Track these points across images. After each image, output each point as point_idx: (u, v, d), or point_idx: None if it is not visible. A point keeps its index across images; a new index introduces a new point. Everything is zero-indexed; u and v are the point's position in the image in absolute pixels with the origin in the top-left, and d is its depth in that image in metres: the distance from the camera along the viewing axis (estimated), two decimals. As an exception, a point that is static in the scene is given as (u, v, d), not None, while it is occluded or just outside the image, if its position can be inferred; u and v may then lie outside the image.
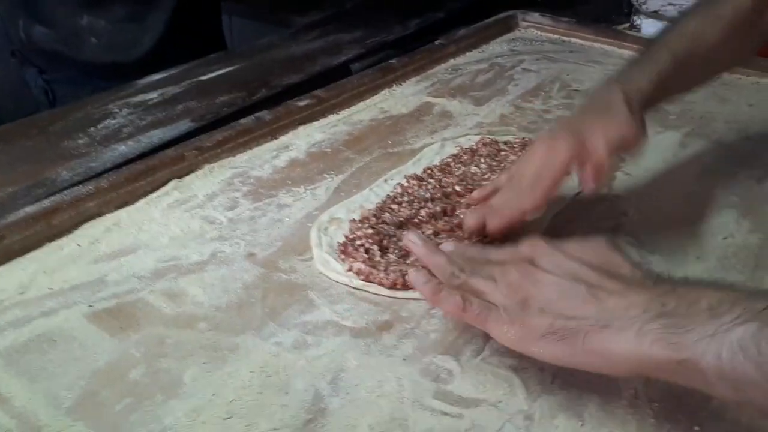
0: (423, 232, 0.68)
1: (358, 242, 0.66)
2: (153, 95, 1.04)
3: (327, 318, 0.59)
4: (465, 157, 0.82)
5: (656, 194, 0.79)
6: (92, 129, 0.92)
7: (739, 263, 0.67)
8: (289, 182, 0.79)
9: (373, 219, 0.69)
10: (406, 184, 0.76)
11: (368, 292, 0.62)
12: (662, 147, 0.89)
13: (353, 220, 0.70)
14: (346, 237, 0.67)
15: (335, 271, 0.63)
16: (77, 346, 0.55)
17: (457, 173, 0.79)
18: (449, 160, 0.82)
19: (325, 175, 0.81)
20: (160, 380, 0.52)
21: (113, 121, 0.94)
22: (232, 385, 0.52)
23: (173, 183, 0.77)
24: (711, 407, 0.50)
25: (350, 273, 0.63)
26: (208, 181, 0.79)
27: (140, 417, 0.49)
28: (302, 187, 0.78)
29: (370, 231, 0.67)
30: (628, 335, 0.44)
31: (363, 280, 0.62)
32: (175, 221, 0.71)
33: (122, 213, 0.72)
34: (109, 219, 0.71)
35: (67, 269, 0.64)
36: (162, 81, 1.11)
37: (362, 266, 0.63)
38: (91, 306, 0.59)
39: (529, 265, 0.51)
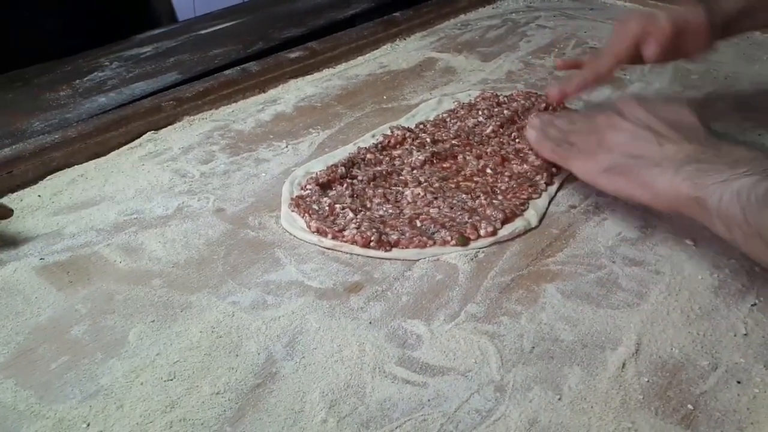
0: (407, 185, 0.64)
1: (308, 197, 0.62)
2: (147, 49, 1.00)
3: (292, 278, 0.54)
4: (462, 112, 0.77)
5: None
6: (77, 81, 0.88)
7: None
8: (272, 137, 0.74)
9: (341, 170, 0.65)
10: (389, 134, 0.71)
11: (341, 252, 0.57)
12: (680, 106, 0.82)
13: (314, 174, 0.65)
14: (301, 188, 0.63)
15: (302, 229, 0.59)
16: (21, 299, 0.51)
17: (452, 128, 0.73)
18: (445, 115, 0.77)
19: (311, 129, 0.76)
20: (102, 338, 0.48)
21: (101, 74, 0.91)
22: (178, 345, 0.48)
23: (148, 135, 0.73)
24: (708, 386, 0.45)
25: (317, 233, 0.58)
26: (186, 133, 0.74)
27: (75, 376, 0.45)
28: (284, 141, 0.73)
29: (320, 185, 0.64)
30: (668, 173, 0.52)
31: (331, 238, 0.57)
32: (145, 174, 0.67)
33: (91, 165, 0.68)
34: (76, 170, 0.67)
35: (23, 221, 0.60)
36: (159, 35, 1.07)
37: (321, 225, 0.58)
38: (42, 259, 0.55)
39: (616, 115, 0.59)
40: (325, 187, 0.64)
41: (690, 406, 0.43)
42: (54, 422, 0.42)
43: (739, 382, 0.45)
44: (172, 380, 0.45)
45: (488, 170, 0.66)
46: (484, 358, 0.47)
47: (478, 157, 0.68)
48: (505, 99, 0.78)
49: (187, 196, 0.64)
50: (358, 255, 0.57)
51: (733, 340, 0.48)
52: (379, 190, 0.63)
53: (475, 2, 1.13)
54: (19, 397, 0.44)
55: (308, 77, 0.88)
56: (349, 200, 0.62)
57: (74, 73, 0.91)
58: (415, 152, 0.69)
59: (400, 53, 0.97)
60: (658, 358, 0.47)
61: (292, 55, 0.88)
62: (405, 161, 0.68)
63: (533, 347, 0.48)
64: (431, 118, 0.76)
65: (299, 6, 1.17)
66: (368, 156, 0.68)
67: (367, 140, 0.72)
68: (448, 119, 0.75)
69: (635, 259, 0.56)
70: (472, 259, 0.56)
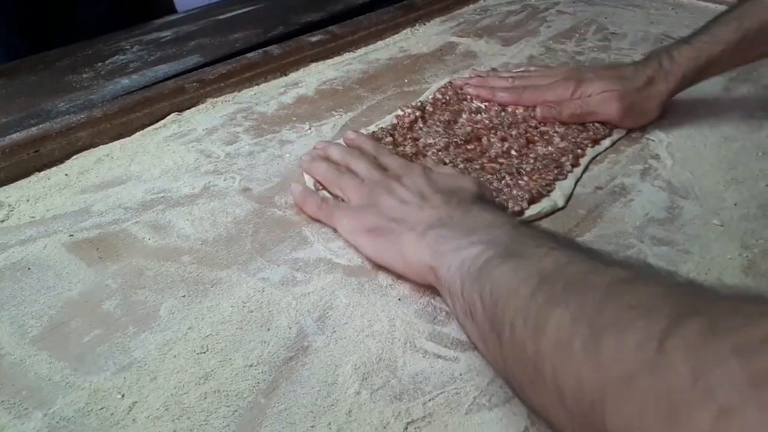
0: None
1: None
2: (167, 33, 1.00)
3: (320, 255, 0.54)
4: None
5: (693, 138, 0.72)
6: (99, 64, 0.88)
7: (782, 211, 0.60)
8: (295, 119, 0.74)
9: None
10: (401, 113, 0.73)
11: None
12: (703, 91, 0.82)
13: None
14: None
15: None
16: (52, 274, 0.52)
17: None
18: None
19: (334, 112, 0.76)
20: (134, 312, 0.48)
21: (122, 57, 0.91)
22: (210, 319, 0.48)
23: (172, 116, 0.73)
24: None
25: None
26: (210, 115, 0.74)
27: (108, 349, 0.46)
28: (308, 123, 0.73)
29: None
30: (414, 239, 0.48)
31: None
32: (170, 154, 0.67)
33: (116, 145, 0.68)
34: (101, 150, 0.67)
35: (51, 198, 0.60)
36: (178, 20, 1.07)
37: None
38: (71, 235, 0.56)
39: (394, 179, 0.55)
40: None
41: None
42: (89, 393, 0.42)
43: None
44: (204, 353, 0.45)
45: (513, 152, 0.66)
46: (514, 334, 0.47)
47: (503, 140, 0.68)
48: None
49: (213, 175, 0.64)
50: None
51: (764, 318, 0.48)
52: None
53: (494, -12, 1.13)
54: (53, 369, 0.44)
55: (329, 61, 0.88)
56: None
57: (95, 56, 0.92)
58: (437, 136, 0.68)
59: (420, 38, 0.96)
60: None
61: (313, 39, 0.88)
62: (427, 142, 0.68)
63: (563, 324, 0.48)
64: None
65: (318, -9, 1.17)
66: (387, 138, 0.67)
67: (388, 122, 0.72)
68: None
69: (663, 239, 0.56)
70: (499, 238, 0.56)
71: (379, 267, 0.53)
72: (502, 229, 0.44)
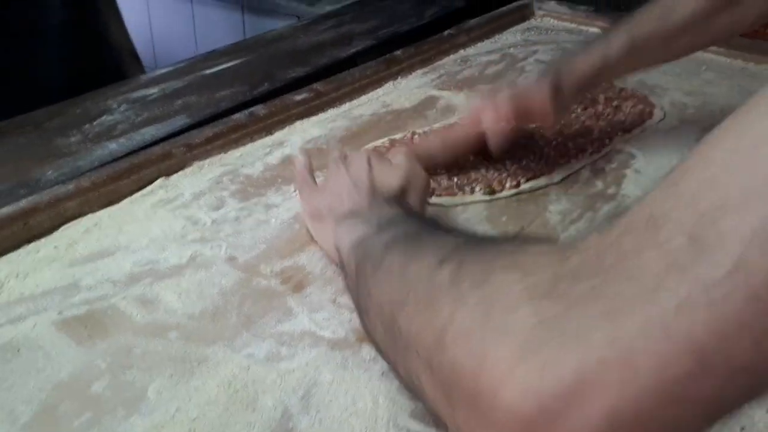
0: None
1: None
2: (153, 90, 1.02)
3: (305, 328, 0.56)
4: None
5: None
6: (87, 126, 0.90)
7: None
8: (280, 180, 0.76)
9: None
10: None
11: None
12: (677, 142, 0.84)
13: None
14: None
15: None
16: (41, 355, 0.53)
17: None
18: None
19: (318, 173, 0.77)
20: (123, 393, 0.50)
21: (110, 118, 0.92)
22: (197, 400, 0.49)
23: (160, 181, 0.75)
24: None
25: None
26: (197, 179, 0.76)
27: (98, 434, 0.47)
28: (293, 185, 0.75)
29: None
30: (332, 227, 0.56)
31: None
32: (158, 222, 0.68)
33: (104, 213, 0.70)
34: (90, 219, 0.69)
35: (41, 273, 0.61)
36: (165, 75, 1.08)
37: None
38: (60, 313, 0.57)
39: (342, 164, 0.63)
40: None
41: None
42: (79, 481, 0.43)
43: (742, 429, 0.46)
44: (192, 436, 0.46)
45: None
46: (494, 408, 0.48)
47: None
48: None
49: (200, 244, 0.65)
50: None
51: (735, 387, 0.50)
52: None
53: (473, 37, 1.15)
54: (43, 457, 0.45)
55: (314, 118, 0.90)
56: None
57: (83, 116, 0.93)
58: None
59: (402, 91, 0.98)
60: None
61: (298, 97, 0.90)
62: None
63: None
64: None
65: (302, 43, 1.19)
66: None
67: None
68: None
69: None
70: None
71: (363, 339, 0.54)
72: (402, 223, 0.50)
